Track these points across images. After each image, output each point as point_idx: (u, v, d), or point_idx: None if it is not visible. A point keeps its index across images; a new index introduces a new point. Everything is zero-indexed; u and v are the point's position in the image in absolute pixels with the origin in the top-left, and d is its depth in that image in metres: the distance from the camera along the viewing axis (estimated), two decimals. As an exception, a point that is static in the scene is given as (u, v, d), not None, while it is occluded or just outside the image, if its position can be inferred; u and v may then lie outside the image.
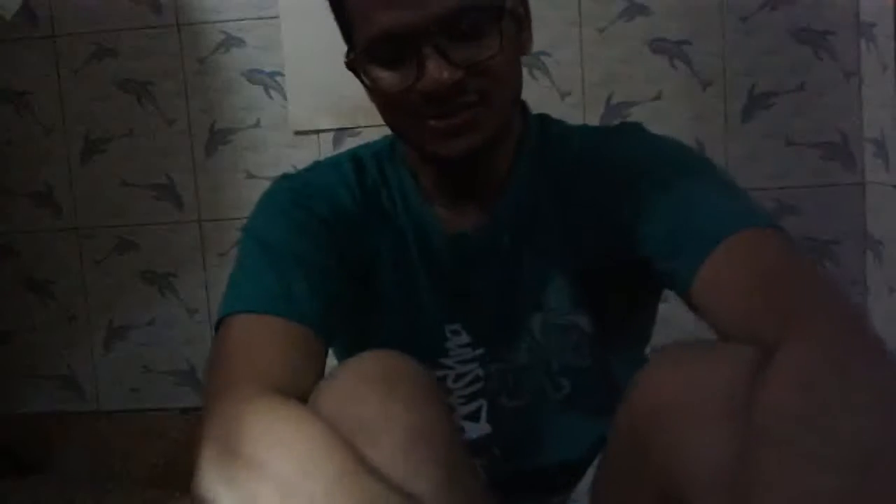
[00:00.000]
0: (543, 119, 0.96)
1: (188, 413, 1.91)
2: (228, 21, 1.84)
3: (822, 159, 1.74)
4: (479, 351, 0.93)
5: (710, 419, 0.64)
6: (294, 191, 0.91)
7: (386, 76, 0.80)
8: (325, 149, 1.83)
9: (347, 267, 0.88)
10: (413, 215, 0.92)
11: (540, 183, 0.91)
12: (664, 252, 0.82)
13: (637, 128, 0.94)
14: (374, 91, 0.82)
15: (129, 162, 1.90)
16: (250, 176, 1.86)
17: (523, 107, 0.94)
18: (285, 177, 0.95)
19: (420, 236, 0.92)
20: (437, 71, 0.76)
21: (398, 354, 0.74)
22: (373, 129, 1.76)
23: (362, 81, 0.83)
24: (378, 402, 0.67)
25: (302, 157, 1.83)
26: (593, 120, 1.74)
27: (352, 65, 0.84)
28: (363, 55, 0.81)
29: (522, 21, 0.86)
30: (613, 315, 0.93)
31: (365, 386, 0.69)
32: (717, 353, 0.70)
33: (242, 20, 1.84)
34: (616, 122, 1.75)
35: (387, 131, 0.88)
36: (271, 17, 1.82)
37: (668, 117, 1.74)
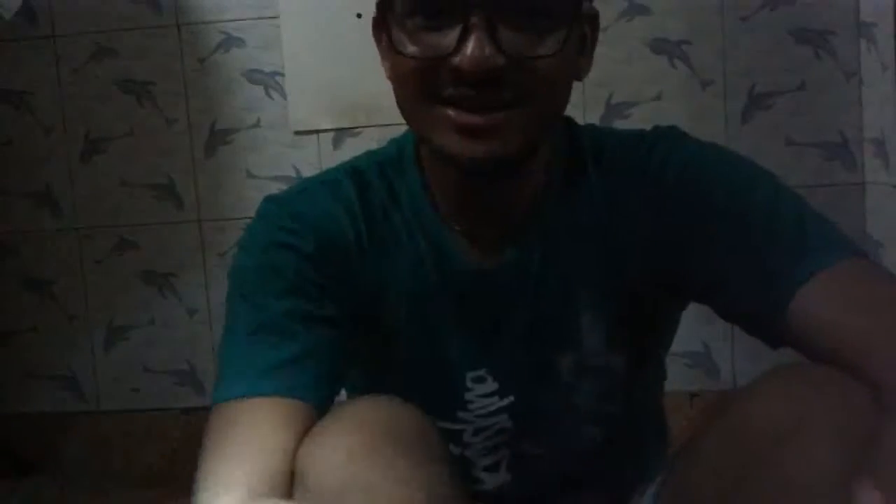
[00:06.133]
0: (571, 126, 0.84)
1: (188, 413, 1.91)
2: (228, 21, 1.84)
3: (822, 159, 1.74)
4: (508, 400, 0.82)
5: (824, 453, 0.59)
6: (280, 226, 0.79)
7: (419, 39, 0.69)
8: (325, 149, 1.83)
9: (348, 308, 0.78)
10: (431, 241, 0.80)
11: (573, 204, 0.80)
12: (738, 288, 0.73)
13: (677, 135, 0.82)
14: (396, 58, 0.70)
15: (129, 162, 1.90)
16: (250, 176, 1.86)
17: (567, 123, 0.83)
18: (273, 201, 0.82)
19: (441, 267, 0.80)
20: (478, 47, 0.65)
21: (395, 401, 0.69)
22: (373, 129, 1.77)
23: (381, 40, 0.72)
24: (380, 471, 0.62)
25: (302, 157, 1.83)
26: (593, 120, 1.74)
27: (380, 17, 0.73)
28: (401, 11, 0.69)
29: (587, 43, 0.76)
30: (647, 349, 0.86)
31: (364, 451, 0.63)
32: (831, 385, 0.63)
33: (242, 20, 1.83)
34: (616, 122, 1.76)
35: (389, 133, 0.80)
36: (271, 17, 1.82)
37: (668, 117, 1.72)
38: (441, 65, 0.67)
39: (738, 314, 0.76)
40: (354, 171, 0.83)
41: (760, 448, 0.62)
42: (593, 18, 0.76)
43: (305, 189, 0.83)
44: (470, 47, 0.65)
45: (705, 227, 0.75)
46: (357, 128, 1.81)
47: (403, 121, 0.75)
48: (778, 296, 0.69)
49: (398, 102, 0.74)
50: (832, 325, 0.66)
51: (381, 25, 0.74)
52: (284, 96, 1.83)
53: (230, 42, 1.84)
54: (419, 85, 0.70)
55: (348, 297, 0.78)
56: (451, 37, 0.66)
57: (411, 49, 0.69)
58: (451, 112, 0.69)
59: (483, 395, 0.82)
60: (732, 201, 0.74)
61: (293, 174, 1.84)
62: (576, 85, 0.75)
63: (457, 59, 0.66)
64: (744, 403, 0.67)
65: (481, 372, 0.82)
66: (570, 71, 0.73)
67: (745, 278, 0.72)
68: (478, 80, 0.66)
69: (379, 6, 0.74)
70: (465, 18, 0.65)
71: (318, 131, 1.83)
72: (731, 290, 0.74)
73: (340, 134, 1.83)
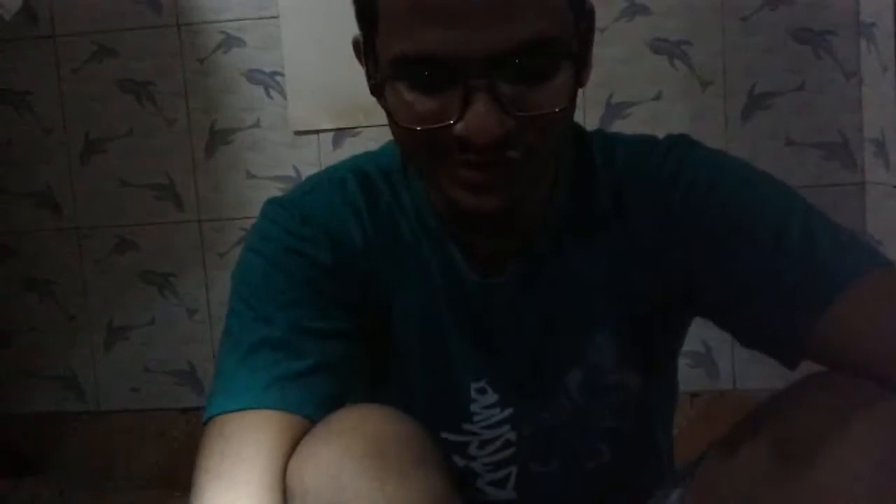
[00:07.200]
0: (578, 133, 0.80)
1: (188, 413, 1.91)
2: (228, 21, 1.84)
3: (822, 159, 1.74)
4: (508, 412, 0.80)
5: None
6: (290, 232, 0.76)
7: (416, 102, 0.64)
8: (325, 149, 1.83)
9: (359, 319, 0.76)
10: (438, 252, 0.78)
11: (582, 216, 0.78)
12: (756, 307, 0.70)
13: (689, 143, 0.78)
14: (397, 119, 0.66)
15: (129, 162, 1.90)
16: (250, 176, 1.86)
17: (574, 130, 0.79)
18: (279, 204, 0.79)
19: (448, 279, 0.78)
20: (485, 116, 0.61)
21: (387, 412, 0.67)
22: (373, 129, 1.77)
23: (384, 106, 0.68)
24: (370, 481, 0.61)
25: (302, 157, 1.83)
26: (593, 120, 1.74)
27: (377, 88, 0.69)
28: (390, 73, 0.65)
29: (587, 52, 0.71)
30: (661, 363, 0.84)
31: (353, 461, 0.62)
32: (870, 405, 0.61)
33: (242, 20, 1.83)
34: (616, 122, 1.76)
35: (389, 133, 0.75)
36: (271, 17, 1.82)
37: (668, 117, 1.74)
38: (444, 131, 0.63)
39: (756, 336, 0.73)
40: (358, 171, 0.80)
41: (796, 453, 0.61)
42: (589, 14, 0.71)
43: (314, 189, 0.80)
44: (475, 116, 0.61)
45: (718, 238, 0.72)
46: (357, 128, 1.81)
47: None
48: (802, 316, 0.67)
49: (403, 152, 0.72)
50: (862, 342, 0.64)
51: (375, 91, 0.70)
52: (284, 96, 1.83)
53: (230, 42, 1.84)
54: (425, 147, 0.66)
55: (359, 307, 0.77)
56: (452, 103, 0.62)
57: (409, 119, 0.65)
58: (461, 169, 0.65)
59: (486, 406, 0.81)
60: (746, 212, 0.72)
61: (293, 174, 1.84)
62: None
63: (462, 129, 0.62)
64: (780, 409, 0.65)
65: (482, 383, 0.80)
66: (576, 90, 0.69)
67: (763, 297, 0.69)
68: (488, 146, 0.62)
69: (367, 73, 0.70)
70: (464, 84, 0.61)
71: (318, 131, 1.83)
72: (748, 309, 0.71)
73: (340, 134, 1.83)
